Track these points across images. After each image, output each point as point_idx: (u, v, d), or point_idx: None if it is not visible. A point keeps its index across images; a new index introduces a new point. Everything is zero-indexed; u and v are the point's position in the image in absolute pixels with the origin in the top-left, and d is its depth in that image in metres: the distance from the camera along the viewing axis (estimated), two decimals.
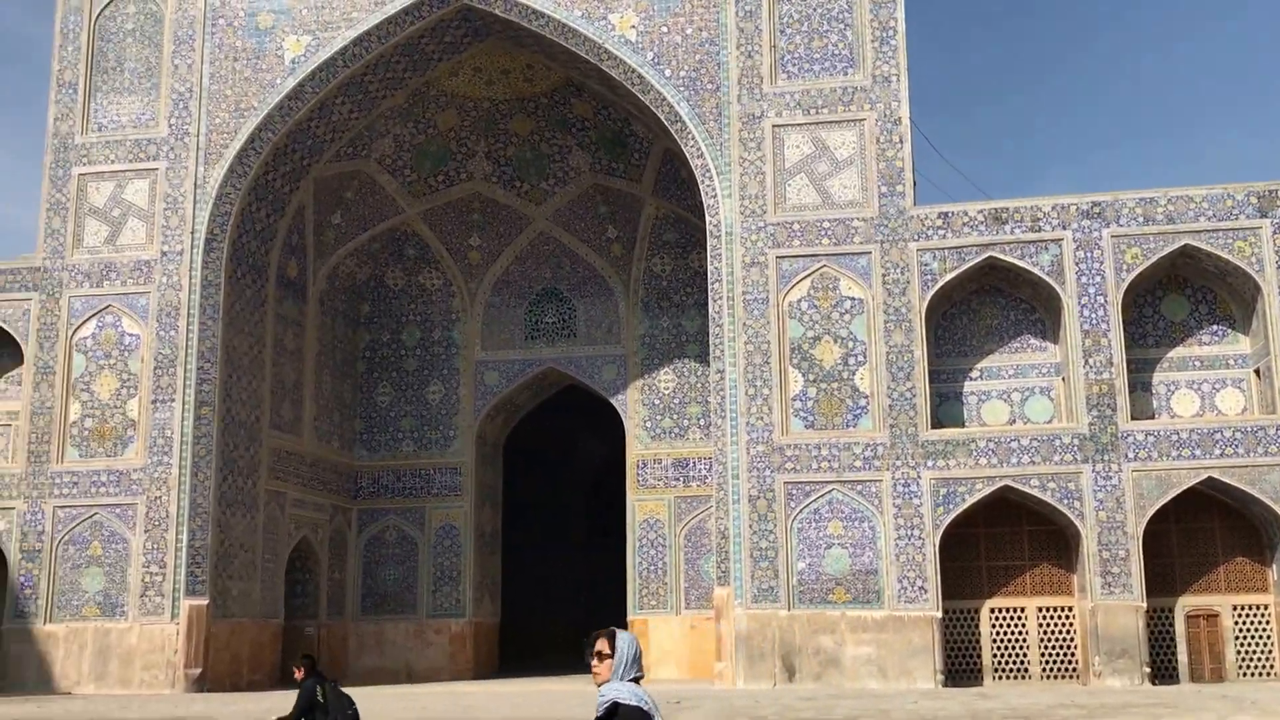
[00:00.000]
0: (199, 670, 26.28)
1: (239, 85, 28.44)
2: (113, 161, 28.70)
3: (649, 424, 32.48)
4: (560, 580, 44.85)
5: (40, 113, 29.80)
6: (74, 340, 28.15)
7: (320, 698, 10.91)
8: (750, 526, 24.95)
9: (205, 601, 26.65)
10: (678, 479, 31.94)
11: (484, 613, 34.08)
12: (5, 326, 28.62)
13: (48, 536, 27.31)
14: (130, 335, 27.98)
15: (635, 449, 32.39)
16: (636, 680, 5.04)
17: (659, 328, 33.07)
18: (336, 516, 32.85)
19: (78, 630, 26.83)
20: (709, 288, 26.48)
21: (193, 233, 28.00)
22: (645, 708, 4.88)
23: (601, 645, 5.10)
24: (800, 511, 24.93)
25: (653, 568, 31.60)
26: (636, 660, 5.09)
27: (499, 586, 35.31)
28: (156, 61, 29.00)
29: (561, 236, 33.88)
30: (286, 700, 22.31)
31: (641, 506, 32.04)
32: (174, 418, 27.31)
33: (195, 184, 28.19)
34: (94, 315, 28.19)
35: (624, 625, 32.14)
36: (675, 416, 32.42)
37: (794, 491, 25.02)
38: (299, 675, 10.68)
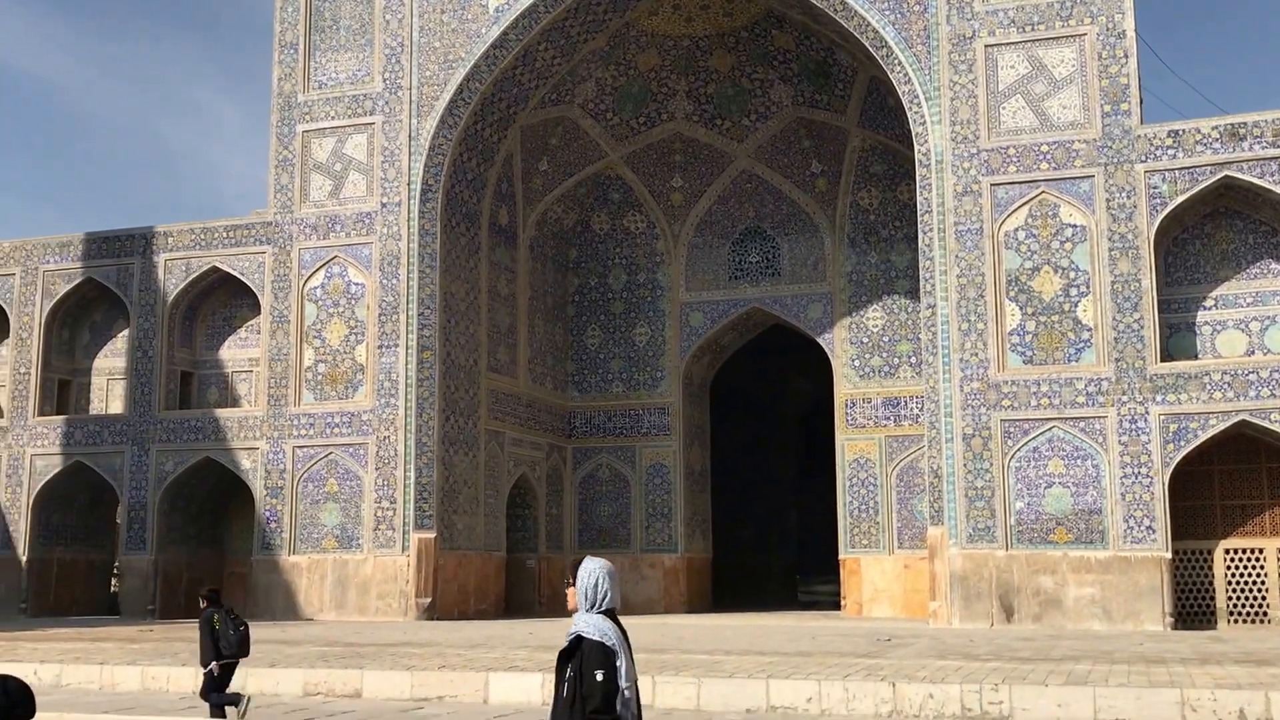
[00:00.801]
0: (429, 599, 27.62)
1: (446, 37, 29.19)
2: (333, 118, 29.96)
3: (857, 363, 32.12)
4: (772, 519, 45.05)
5: (267, 74, 31.29)
6: (305, 290, 29.68)
7: (215, 624, 11.90)
8: (965, 465, 24.46)
9: (433, 535, 27.92)
10: (888, 418, 31.54)
11: (695, 549, 34.59)
12: (244, 279, 30.41)
13: (289, 474, 29.07)
14: (356, 284, 29.32)
15: (844, 388, 32.11)
16: (611, 612, 4.92)
17: (866, 264, 32.55)
18: (553, 455, 33.81)
19: (318, 561, 28.55)
20: (919, 220, 25.88)
21: (409, 184, 29.03)
22: (609, 643, 4.78)
23: (570, 574, 5.09)
24: (1018, 450, 24.28)
25: (864, 507, 31.39)
26: (600, 589, 4.93)
27: (710, 524, 35.75)
28: (369, 18, 30.01)
29: (764, 174, 33.65)
30: (511, 629, 23.27)
31: (851, 446, 31.80)
32: (398, 362, 28.55)
33: (409, 136, 29.18)
34: (322, 266, 29.64)
35: (835, 565, 32.11)
36: (885, 355, 31.96)
37: (1011, 429, 24.37)
38: (204, 606, 12.28)
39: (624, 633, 4.94)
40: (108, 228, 32.24)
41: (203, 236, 30.91)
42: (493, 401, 30.91)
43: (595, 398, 34.68)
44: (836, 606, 32.05)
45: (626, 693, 4.76)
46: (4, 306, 32.37)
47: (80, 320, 33.10)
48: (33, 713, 3.52)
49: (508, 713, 11.89)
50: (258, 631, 22.55)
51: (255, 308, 30.89)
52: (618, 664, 4.77)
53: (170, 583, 30.22)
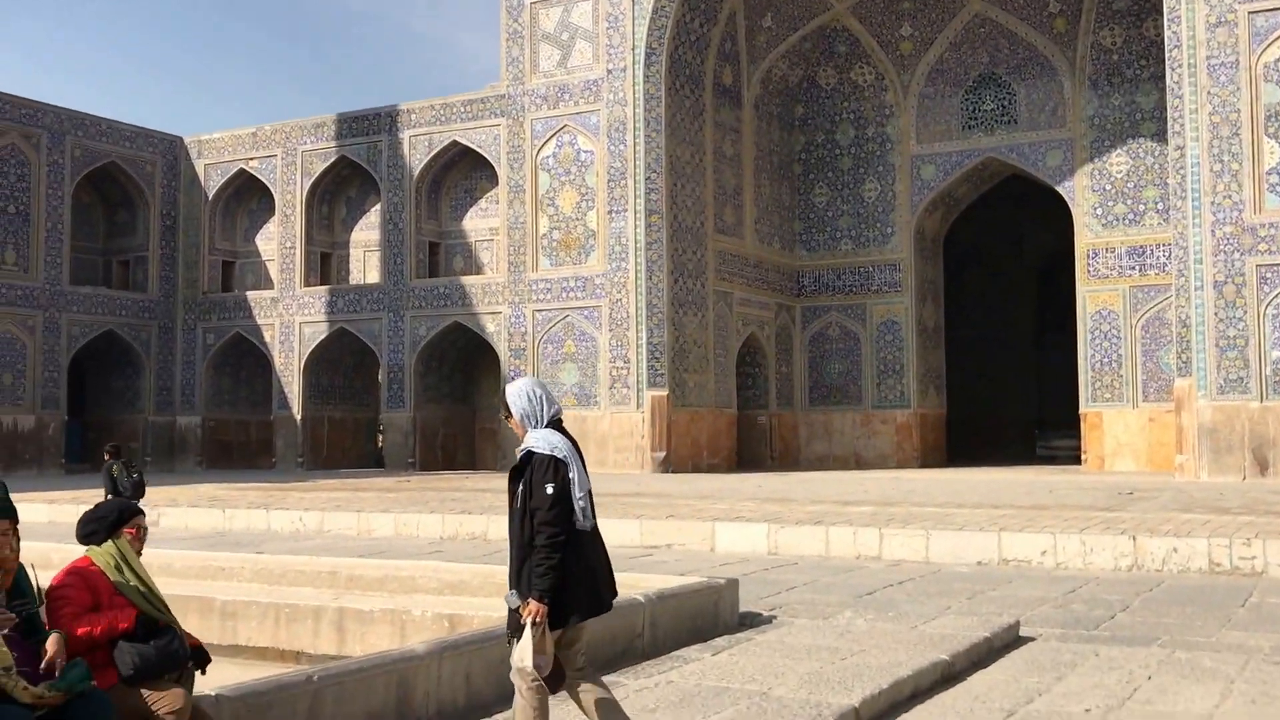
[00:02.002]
0: (663, 453, 28.75)
1: None
2: None
3: (1099, 211, 30.77)
4: (1010, 374, 44.15)
5: None
6: (538, 160, 30.64)
7: (114, 474, 14.46)
8: (1215, 314, 23.37)
9: (665, 393, 28.89)
10: (1132, 267, 30.23)
11: (929, 404, 34.45)
12: (481, 151, 31.63)
13: (529, 336, 30.52)
14: (585, 152, 30.04)
15: (1085, 238, 30.89)
16: (557, 422, 4.80)
17: (1109, 107, 30.88)
18: (781, 314, 34.09)
19: None
20: (1166, 56, 24.34)
21: (633, 49, 29.28)
22: (559, 455, 4.66)
23: (502, 407, 4.92)
24: (1275, 297, 23.00)
25: (1106, 360, 30.43)
26: (538, 402, 4.78)
27: (944, 379, 35.44)
28: None
29: (998, 16, 32.14)
30: (741, 482, 24.06)
31: (1093, 298, 30.71)
32: (628, 226, 29.28)
33: (633, 1, 29.31)
34: (553, 135, 30.46)
35: (1076, 419, 31.39)
36: (1129, 201, 30.48)
37: (1268, 275, 23.06)
38: (106, 459, 14.92)
39: (574, 444, 4.83)
40: (358, 108, 34.01)
41: (442, 112, 32.22)
42: (720, 263, 31.33)
43: (824, 256, 34.59)
44: (1076, 461, 31.45)
45: (581, 502, 4.65)
46: (269, 186, 34.81)
47: (337, 196, 35.27)
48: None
49: (732, 561, 12.54)
50: (503, 483, 24.14)
51: (494, 179, 32.14)
52: (570, 475, 4.65)
53: (427, 438, 32.51)
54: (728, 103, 31.99)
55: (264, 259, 35.82)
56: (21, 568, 3.92)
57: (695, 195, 30.48)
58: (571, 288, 30.11)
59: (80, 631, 3.96)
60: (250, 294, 35.10)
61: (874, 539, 12.90)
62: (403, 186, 32.65)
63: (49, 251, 32.53)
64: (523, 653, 4.53)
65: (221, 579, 9.56)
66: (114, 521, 4.23)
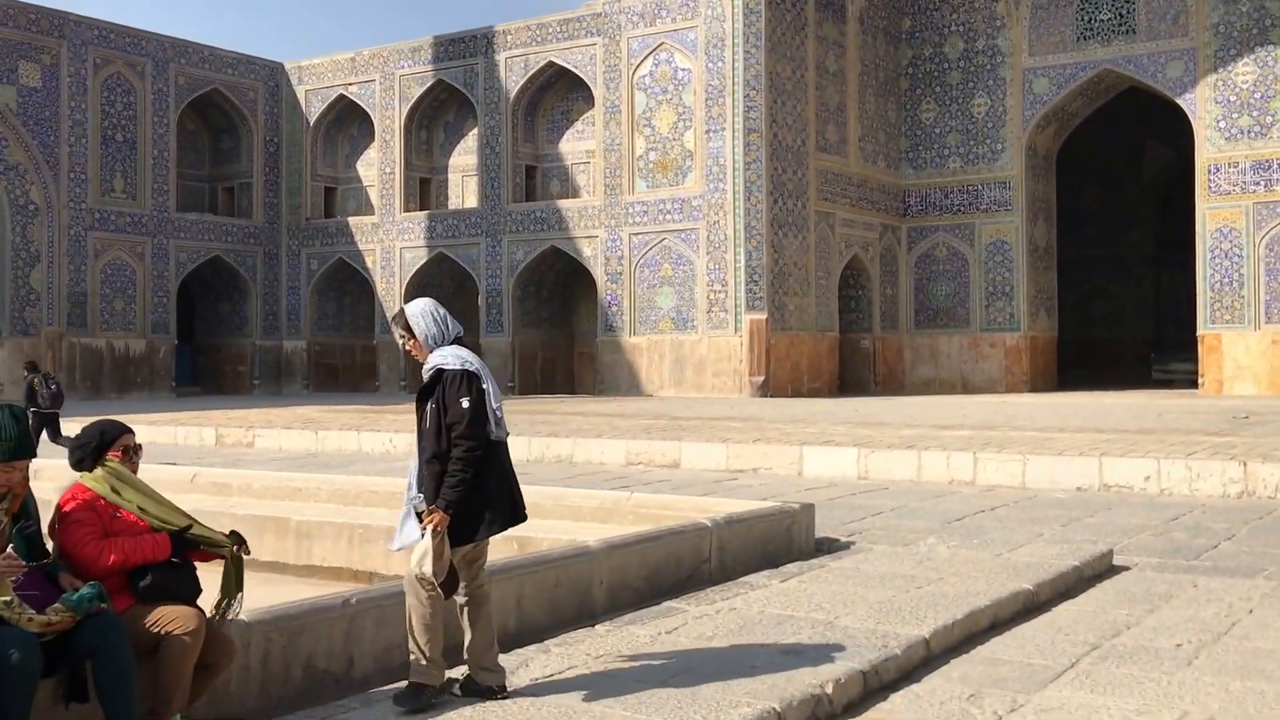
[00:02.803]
0: (761, 378, 28.40)
1: None
2: None
3: (1223, 124, 29.21)
4: (1125, 295, 42.65)
5: None
6: (634, 79, 30.12)
7: (35, 386, 16.09)
8: None
9: (764, 316, 28.46)
10: (1257, 183, 28.71)
11: (1039, 327, 33.42)
12: (577, 72, 31.21)
13: (625, 260, 30.27)
14: (682, 70, 29.42)
15: (1206, 153, 29.39)
16: (459, 340, 4.68)
17: (1235, 13, 29.14)
18: (886, 235, 33.26)
19: (656, 342, 29.87)
20: None
21: None
22: (472, 369, 4.56)
23: (399, 329, 4.73)
24: None
25: (1227, 280, 29.09)
26: (440, 321, 4.64)
27: (1055, 301, 34.34)
28: None
29: None
30: (837, 405, 23.66)
31: (1214, 215, 29.30)
32: (726, 146, 28.70)
33: None
34: (649, 54, 29.88)
35: (1193, 340, 30.17)
36: (1255, 113, 28.85)
37: None
38: (26, 375, 16.91)
39: (481, 356, 4.78)
40: (454, 30, 33.82)
41: (538, 33, 31.82)
42: (822, 182, 30.59)
43: (931, 174, 33.55)
44: (1194, 385, 30.26)
45: (497, 413, 4.62)
46: (368, 111, 34.91)
47: (435, 121, 35.23)
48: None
49: (820, 485, 12.25)
50: (600, 405, 24.19)
51: (590, 100, 31.72)
52: (484, 386, 4.58)
53: (526, 362, 32.64)
54: (831, 16, 30.99)
55: (364, 185, 36.05)
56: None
57: (796, 113, 29.70)
58: (668, 210, 29.71)
59: (113, 560, 3.85)
60: (351, 219, 35.42)
61: (968, 464, 12.47)
62: (499, 110, 32.45)
63: (156, 179, 33.17)
64: (421, 560, 4.44)
65: (299, 499, 9.58)
66: (97, 446, 4.09)
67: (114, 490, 4.00)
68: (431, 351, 4.61)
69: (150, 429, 16.35)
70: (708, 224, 29.03)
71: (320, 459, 14.07)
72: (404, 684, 4.51)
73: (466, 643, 4.65)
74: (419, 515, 4.43)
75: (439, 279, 34.32)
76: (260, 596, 5.06)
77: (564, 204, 31.79)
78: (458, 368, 4.54)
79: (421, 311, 4.68)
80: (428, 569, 4.41)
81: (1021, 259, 32.50)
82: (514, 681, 4.76)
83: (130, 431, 4.17)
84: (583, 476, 12.39)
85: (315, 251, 35.83)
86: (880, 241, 33.04)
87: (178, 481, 10.63)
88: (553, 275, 32.95)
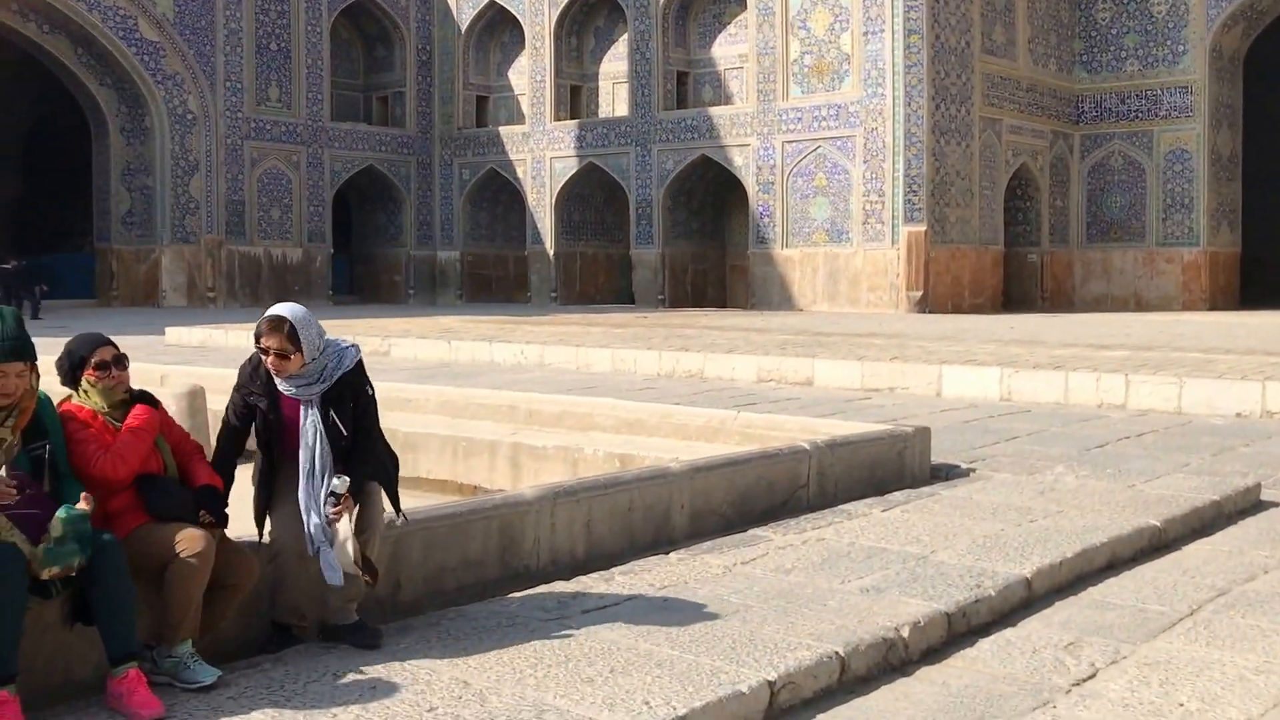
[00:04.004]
0: (919, 293, 27.44)
1: None
2: None
3: None
4: None
5: None
6: None
7: None
8: None
9: (923, 228, 27.40)
10: None
11: (1220, 242, 31.39)
12: None
13: (778, 169, 29.47)
14: None
15: None
16: None
17: None
18: (1057, 142, 31.57)
19: (809, 255, 29.12)
20: None
21: None
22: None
23: (276, 342, 3.92)
24: None
25: None
26: (318, 325, 4.04)
27: (1239, 215, 32.16)
28: None
29: None
30: (993, 323, 22.67)
31: None
32: (884, 48, 27.50)
33: None
34: None
35: None
36: None
37: None
38: None
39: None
40: None
41: None
42: (988, 87, 29.09)
43: (1106, 78, 31.57)
44: None
45: None
46: (518, 17, 34.64)
47: (585, 26, 34.73)
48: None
49: (958, 406, 11.63)
50: (741, 319, 23.73)
51: (742, 2, 30.77)
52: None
53: (676, 274, 32.28)
54: None
55: (516, 93, 35.88)
56: (45, 403, 3.63)
57: (960, 12, 28.18)
58: (823, 116, 28.72)
59: (123, 474, 3.67)
60: (502, 129, 35.38)
61: (1119, 386, 11.66)
62: (650, 14, 31.73)
63: (310, 88, 33.67)
64: (350, 549, 3.95)
65: (408, 410, 9.51)
66: (70, 366, 3.82)
67: (100, 410, 3.81)
68: (316, 356, 4.00)
69: None
70: (865, 131, 27.98)
71: (451, 369, 14.08)
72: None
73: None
74: (335, 496, 3.91)
75: (589, 189, 34.14)
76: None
77: (715, 111, 31.05)
78: (358, 359, 4.15)
79: (309, 321, 4.00)
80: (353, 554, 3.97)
81: (1203, 169, 30.45)
82: (563, 612, 4.50)
83: (106, 344, 3.84)
84: (708, 393, 12.05)
85: (467, 161, 36.01)
86: (1050, 150, 31.39)
87: None
88: (703, 185, 32.36)
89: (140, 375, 11.15)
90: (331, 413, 4.04)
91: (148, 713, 3.29)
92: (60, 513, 3.34)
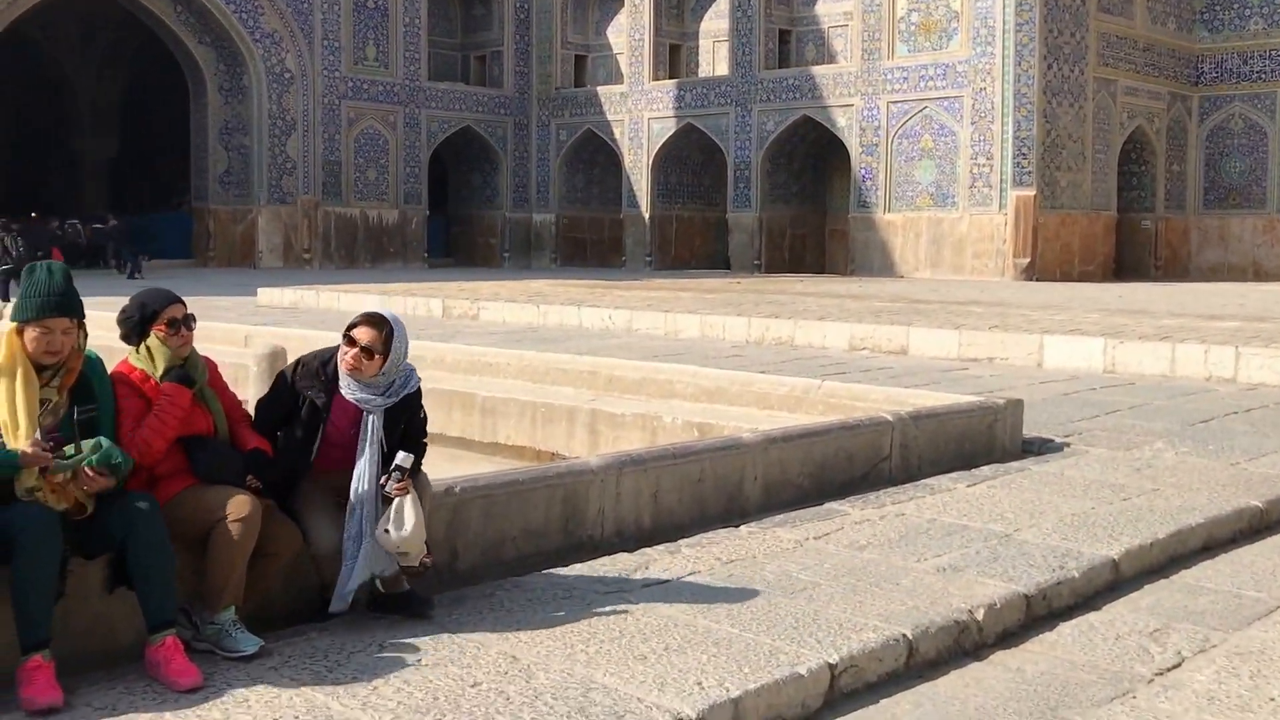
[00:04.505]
0: (1027, 259, 26.69)
1: None
2: None
3: None
4: None
5: None
6: None
7: (4, 245, 19.12)
8: None
9: (1032, 192, 26.62)
10: None
11: None
12: None
13: (882, 131, 28.82)
14: None
15: None
16: None
17: None
18: (1174, 105, 30.36)
19: (912, 219, 28.49)
20: None
21: None
22: None
23: (369, 338, 3.86)
24: None
25: None
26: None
27: None
28: None
29: None
30: (1101, 291, 21.94)
31: None
32: (995, 5, 26.67)
33: None
34: None
35: None
36: None
37: None
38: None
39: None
40: None
41: None
42: (1103, 46, 28.05)
43: (1228, 37, 30.21)
44: None
45: None
46: None
47: None
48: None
49: (1059, 378, 11.21)
50: (838, 285, 23.26)
51: None
52: None
53: (773, 238, 31.86)
54: None
55: (614, 52, 35.56)
56: (95, 363, 3.57)
57: None
58: (930, 76, 27.99)
59: (148, 461, 3.59)
60: (600, 89, 35.13)
61: (1229, 359, 11.13)
62: None
63: (407, 47, 33.73)
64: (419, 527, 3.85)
65: (488, 374, 9.47)
66: (139, 320, 3.76)
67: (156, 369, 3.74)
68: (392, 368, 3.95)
69: (383, 299, 16.79)
70: (973, 91, 27.20)
71: (539, 333, 14.03)
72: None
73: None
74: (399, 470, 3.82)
75: (687, 151, 33.80)
76: (435, 474, 4.82)
77: (818, 70, 30.45)
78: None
79: (404, 332, 4.01)
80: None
81: None
82: (623, 585, 4.37)
83: (177, 301, 3.82)
84: (796, 361, 11.80)
85: (564, 122, 35.87)
86: (1168, 112, 30.21)
87: None
88: (804, 147, 31.81)
89: (226, 335, 11.33)
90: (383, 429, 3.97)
91: (185, 681, 3.24)
92: (101, 440, 3.32)
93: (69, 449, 3.27)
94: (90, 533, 3.35)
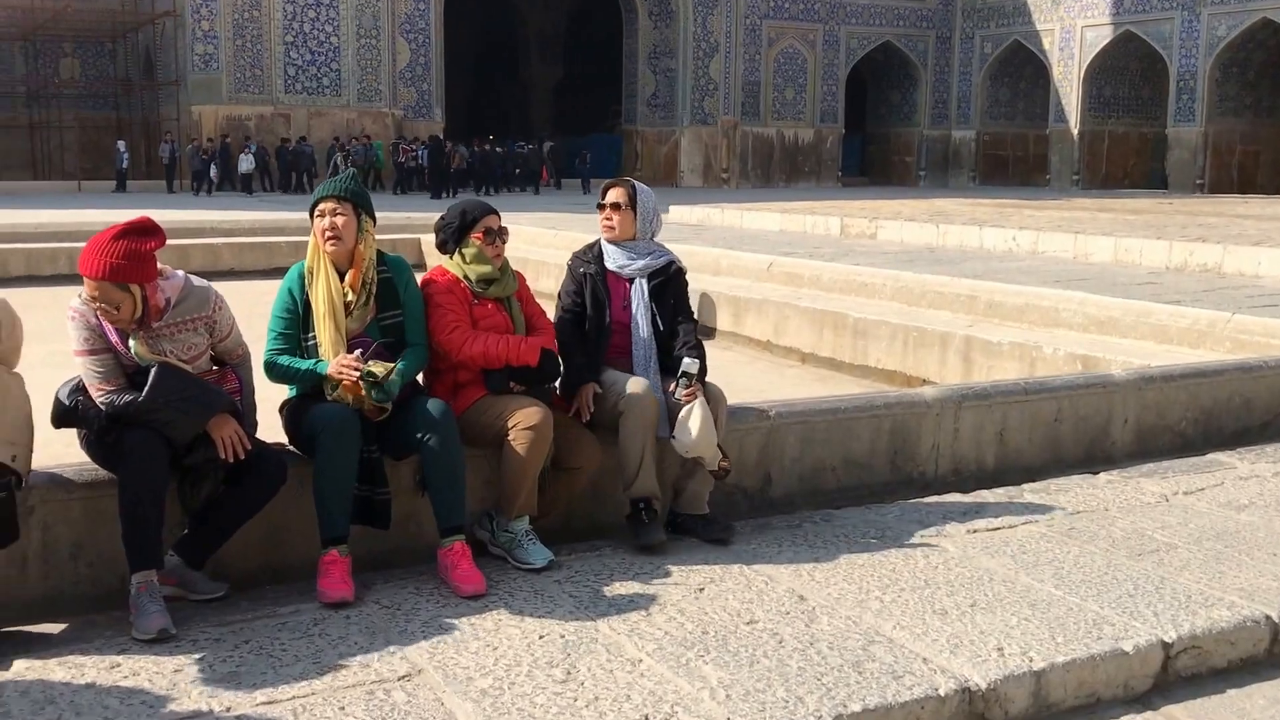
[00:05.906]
0: None
1: None
2: None
3: None
4: None
5: None
6: None
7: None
8: None
9: None
10: None
11: None
12: None
13: None
14: None
15: None
16: None
17: None
18: None
19: None
20: None
21: None
22: None
23: (617, 195, 4.14)
24: None
25: None
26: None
27: None
28: None
29: None
30: None
31: None
32: None
33: None
34: None
35: None
36: None
37: None
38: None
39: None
40: None
41: None
42: None
43: None
44: None
45: None
46: None
47: None
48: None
49: None
50: None
51: None
52: None
53: (1220, 156, 28.82)
54: None
55: None
56: (401, 268, 3.65)
57: None
58: None
59: (476, 351, 3.63)
60: None
61: None
62: None
63: None
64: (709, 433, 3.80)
65: (863, 295, 9.15)
66: (458, 227, 3.77)
67: (467, 278, 3.78)
68: (641, 240, 4.18)
69: (783, 217, 16.62)
70: None
71: (935, 254, 13.37)
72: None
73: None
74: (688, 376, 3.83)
75: (1124, 61, 31.08)
76: (793, 395, 4.71)
77: None
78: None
79: (650, 192, 4.30)
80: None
81: None
82: (945, 528, 4.03)
83: (493, 213, 3.86)
84: (1220, 291, 10.51)
85: (989, 34, 33.96)
86: None
87: (754, 269, 10.65)
88: (1261, 54, 28.33)
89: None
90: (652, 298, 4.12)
91: (468, 587, 3.29)
92: (399, 365, 3.45)
93: (372, 366, 3.38)
94: (392, 435, 3.47)
